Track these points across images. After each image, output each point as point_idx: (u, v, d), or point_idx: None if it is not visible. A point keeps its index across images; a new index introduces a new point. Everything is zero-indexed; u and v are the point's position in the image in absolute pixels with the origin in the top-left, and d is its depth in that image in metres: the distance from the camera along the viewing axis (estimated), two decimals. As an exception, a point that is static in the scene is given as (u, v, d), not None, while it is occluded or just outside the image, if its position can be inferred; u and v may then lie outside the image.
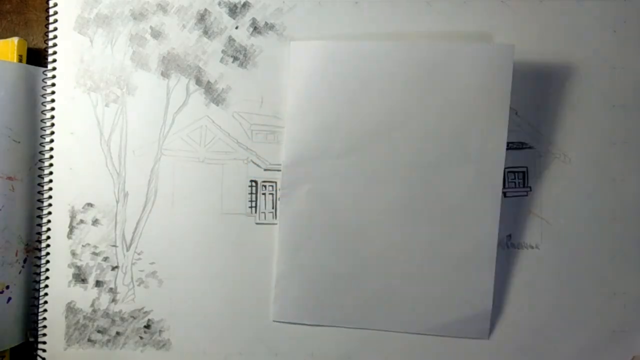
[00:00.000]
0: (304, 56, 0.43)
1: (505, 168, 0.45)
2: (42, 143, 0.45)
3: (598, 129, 0.45)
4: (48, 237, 0.45)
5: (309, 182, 0.44)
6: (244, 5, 0.45)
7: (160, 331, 0.45)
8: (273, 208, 0.45)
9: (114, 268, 0.45)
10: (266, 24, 0.45)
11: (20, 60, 0.46)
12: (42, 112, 0.46)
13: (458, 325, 0.44)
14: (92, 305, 0.45)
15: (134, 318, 0.45)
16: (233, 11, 0.45)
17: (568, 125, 0.45)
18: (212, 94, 0.45)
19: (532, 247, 0.45)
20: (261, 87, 0.45)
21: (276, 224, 0.45)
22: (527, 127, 0.45)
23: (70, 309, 0.45)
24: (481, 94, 0.42)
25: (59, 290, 0.45)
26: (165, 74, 0.45)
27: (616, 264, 0.44)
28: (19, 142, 0.45)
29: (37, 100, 0.46)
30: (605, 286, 0.44)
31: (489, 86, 0.42)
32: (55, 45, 0.45)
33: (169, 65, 0.45)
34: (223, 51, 0.45)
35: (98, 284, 0.45)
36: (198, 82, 0.45)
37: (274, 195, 0.45)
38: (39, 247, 0.45)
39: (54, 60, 0.45)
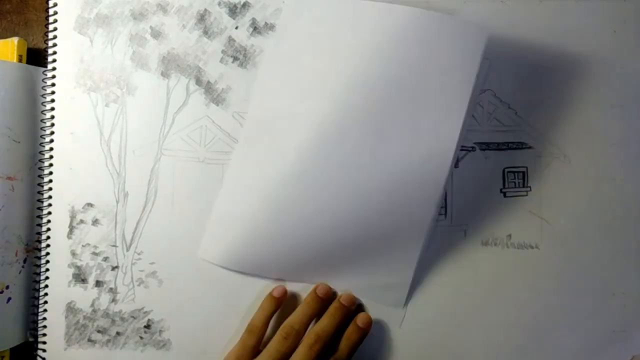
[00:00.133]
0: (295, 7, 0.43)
1: (505, 168, 0.45)
2: (42, 143, 0.45)
3: (598, 129, 0.45)
4: (48, 237, 0.45)
5: (270, 133, 0.43)
6: (244, 5, 0.45)
7: (160, 331, 0.45)
8: (273, 208, 0.45)
9: (114, 268, 0.45)
10: (266, 24, 0.45)
11: (20, 60, 0.46)
12: (42, 112, 0.46)
13: (377, 290, 0.44)
14: (92, 305, 0.45)
15: (134, 318, 0.45)
16: (233, 11, 0.45)
17: (568, 125, 0.45)
18: (212, 94, 0.45)
19: (532, 247, 0.45)
20: (261, 87, 0.45)
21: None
22: (527, 127, 0.45)
23: (70, 309, 0.45)
24: (447, 70, 0.41)
25: (59, 290, 0.45)
26: (165, 74, 0.45)
27: (616, 264, 0.44)
28: (19, 142, 0.45)
29: (37, 100, 0.46)
30: (605, 286, 0.44)
31: (457, 63, 0.41)
32: (55, 45, 0.45)
33: (169, 65, 0.45)
34: (223, 51, 0.45)
35: (98, 284, 0.45)
36: (198, 82, 0.45)
37: (274, 195, 0.45)
38: (39, 247, 0.45)
39: (54, 60, 0.45)
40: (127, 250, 0.45)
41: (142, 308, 0.45)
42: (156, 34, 0.45)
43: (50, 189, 0.45)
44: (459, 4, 0.45)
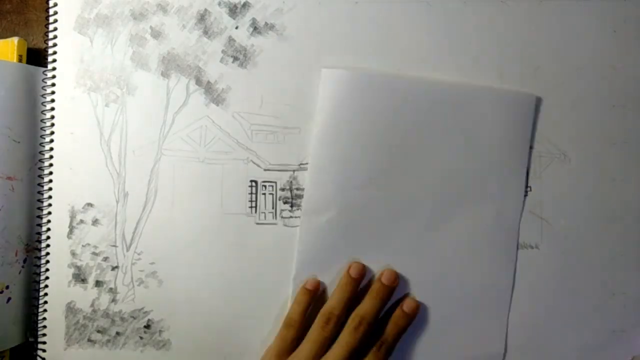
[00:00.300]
0: (333, 84, 0.43)
1: (505, 168, 0.45)
2: (42, 143, 0.45)
3: (598, 129, 0.45)
4: (48, 237, 0.45)
5: (330, 210, 0.44)
6: (244, 5, 0.45)
7: (160, 331, 0.45)
8: (273, 208, 0.45)
9: (114, 268, 0.45)
10: (266, 24, 0.45)
11: (20, 60, 0.46)
12: (42, 112, 0.46)
13: None
14: (92, 305, 0.45)
15: (134, 318, 0.45)
16: (233, 11, 0.45)
17: (568, 125, 0.45)
18: (212, 94, 0.45)
19: (532, 247, 0.45)
20: (261, 87, 0.45)
21: (276, 223, 0.45)
22: (527, 127, 0.45)
23: (70, 309, 0.45)
24: (502, 138, 0.43)
25: (59, 290, 0.45)
26: (165, 74, 0.45)
27: (616, 264, 0.44)
28: (19, 142, 0.45)
29: (37, 100, 0.46)
30: (605, 286, 0.44)
31: (510, 131, 0.43)
32: (55, 45, 0.45)
33: (169, 65, 0.45)
34: (223, 51, 0.45)
35: (98, 284, 0.45)
36: (198, 82, 0.45)
37: (274, 196, 0.45)
38: (39, 247, 0.45)
39: (54, 60, 0.45)
40: (127, 250, 0.45)
41: (142, 308, 0.45)
42: (156, 34, 0.45)
43: (50, 189, 0.45)
44: (459, 4, 0.45)
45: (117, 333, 0.45)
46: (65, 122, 0.45)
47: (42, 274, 0.45)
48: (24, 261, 0.46)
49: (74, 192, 0.45)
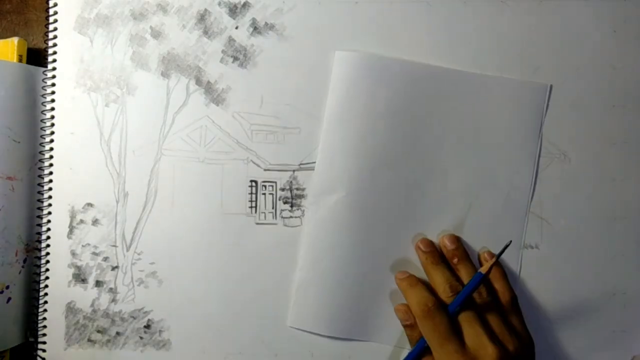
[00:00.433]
0: (347, 65, 0.44)
1: (505, 168, 0.45)
2: (42, 143, 0.45)
3: (598, 129, 0.45)
4: (48, 237, 0.45)
5: (339, 191, 0.44)
6: (244, 5, 0.45)
7: (160, 331, 0.45)
8: (273, 208, 0.45)
9: (114, 268, 0.45)
10: (266, 24, 0.45)
11: (20, 60, 0.46)
12: (42, 112, 0.46)
13: None
14: (92, 305, 0.45)
15: (134, 318, 0.45)
16: (233, 11, 0.45)
17: (568, 125, 0.45)
18: (212, 94, 0.45)
19: (532, 247, 0.45)
20: (261, 87, 0.45)
21: (276, 224, 0.45)
22: (527, 127, 0.45)
23: (70, 309, 0.45)
24: (513, 125, 0.44)
25: (59, 290, 0.45)
26: (165, 74, 0.45)
27: (616, 264, 0.44)
28: (19, 142, 0.45)
29: (37, 100, 0.46)
30: (605, 286, 0.44)
31: (521, 119, 0.44)
32: (55, 45, 0.45)
33: (169, 65, 0.45)
34: (223, 51, 0.45)
35: (98, 284, 0.45)
36: (198, 82, 0.45)
37: (274, 196, 0.45)
38: (39, 247, 0.45)
39: (54, 60, 0.45)
40: (127, 250, 0.45)
41: (142, 308, 0.45)
42: (156, 34, 0.45)
43: (50, 189, 0.45)
44: (459, 4, 0.45)
45: (117, 333, 0.45)
46: (65, 122, 0.45)
47: (42, 274, 0.45)
48: (24, 261, 0.46)
49: (74, 192, 0.45)
